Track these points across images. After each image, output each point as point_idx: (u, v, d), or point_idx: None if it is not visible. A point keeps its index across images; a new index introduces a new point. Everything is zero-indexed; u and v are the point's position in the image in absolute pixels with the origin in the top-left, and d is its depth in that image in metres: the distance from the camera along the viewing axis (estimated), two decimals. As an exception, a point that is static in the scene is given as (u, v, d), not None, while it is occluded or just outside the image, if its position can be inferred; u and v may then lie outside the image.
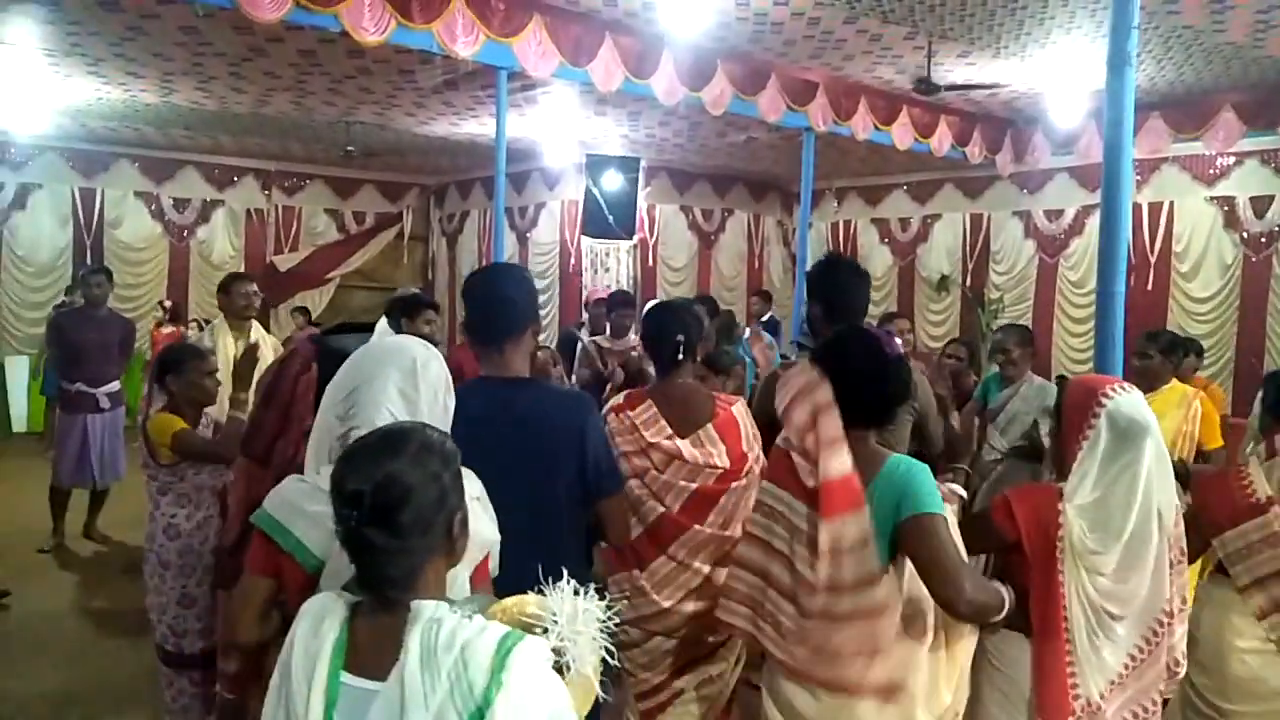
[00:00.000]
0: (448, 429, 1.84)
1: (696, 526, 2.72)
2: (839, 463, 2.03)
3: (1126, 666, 2.15)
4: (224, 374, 4.05)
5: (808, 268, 3.20)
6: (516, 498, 1.98)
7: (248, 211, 11.68)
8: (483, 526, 1.77)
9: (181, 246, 11.21)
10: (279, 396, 2.24)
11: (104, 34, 6.09)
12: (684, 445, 2.75)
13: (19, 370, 10.16)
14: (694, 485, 2.72)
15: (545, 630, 1.44)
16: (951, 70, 6.83)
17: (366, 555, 1.33)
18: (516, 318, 2.32)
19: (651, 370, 3.33)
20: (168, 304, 10.00)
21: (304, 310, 10.64)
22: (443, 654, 1.24)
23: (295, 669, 1.31)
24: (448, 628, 1.26)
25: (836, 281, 2.96)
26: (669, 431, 2.76)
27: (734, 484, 2.77)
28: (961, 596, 1.99)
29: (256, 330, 4.81)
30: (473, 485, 1.77)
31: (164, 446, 3.14)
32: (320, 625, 1.34)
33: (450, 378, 1.90)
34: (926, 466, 2.12)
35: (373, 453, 1.36)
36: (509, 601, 1.51)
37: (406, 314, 4.86)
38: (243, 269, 11.46)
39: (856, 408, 2.11)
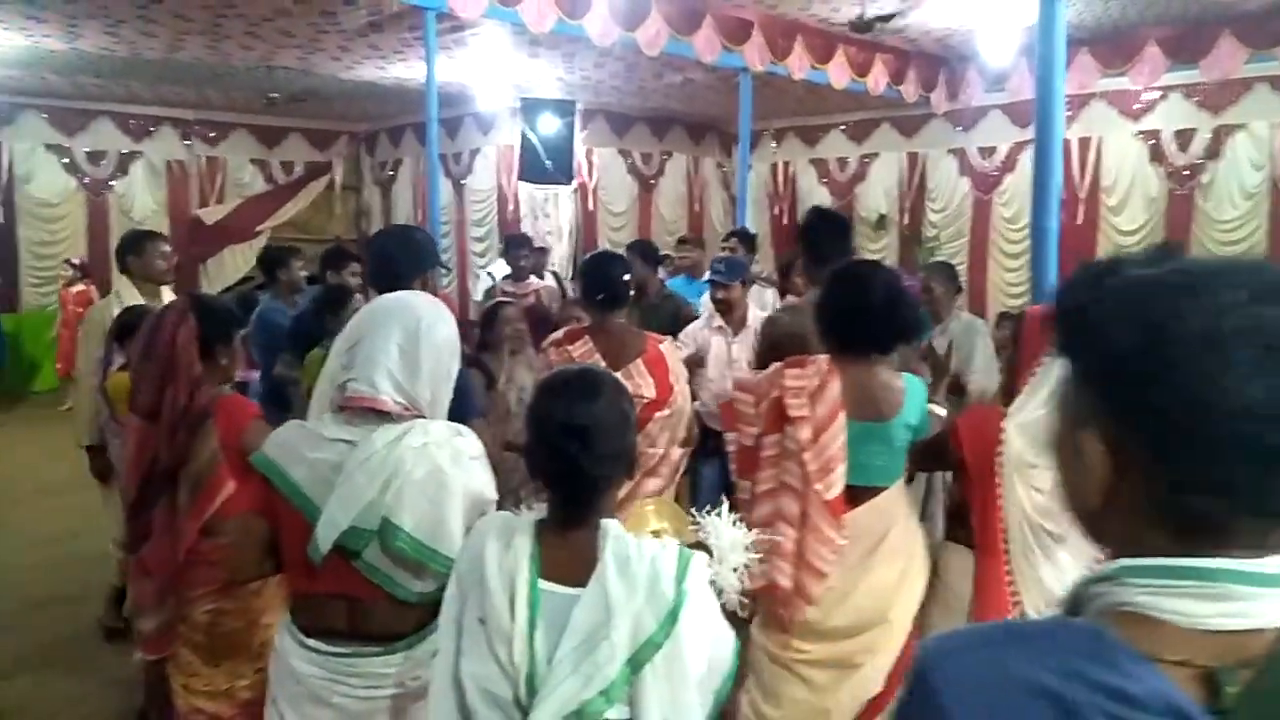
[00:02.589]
0: (449, 392, 1.89)
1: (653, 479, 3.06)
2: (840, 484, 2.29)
3: None
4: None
5: (802, 219, 3.38)
6: None
7: (168, 163, 11.20)
8: (484, 486, 1.82)
9: (100, 202, 10.72)
10: (158, 349, 2.23)
11: (-1, -25, 5.73)
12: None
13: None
14: None
15: (708, 551, 1.76)
16: (886, 7, 6.79)
17: (573, 480, 1.49)
18: (397, 272, 2.62)
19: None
20: (75, 261, 9.53)
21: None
22: (636, 564, 1.42)
23: (491, 580, 1.44)
24: (634, 542, 1.45)
25: (819, 231, 3.14)
26: (603, 365, 3.05)
27: (658, 414, 3.16)
28: None
29: (167, 298, 4.19)
30: (473, 445, 1.81)
31: (122, 404, 3.13)
32: (511, 540, 1.48)
33: (458, 340, 1.92)
34: None
35: (579, 392, 1.51)
36: (651, 520, 1.85)
37: (332, 266, 4.78)
38: (166, 224, 11.04)
39: (869, 335, 2.35)
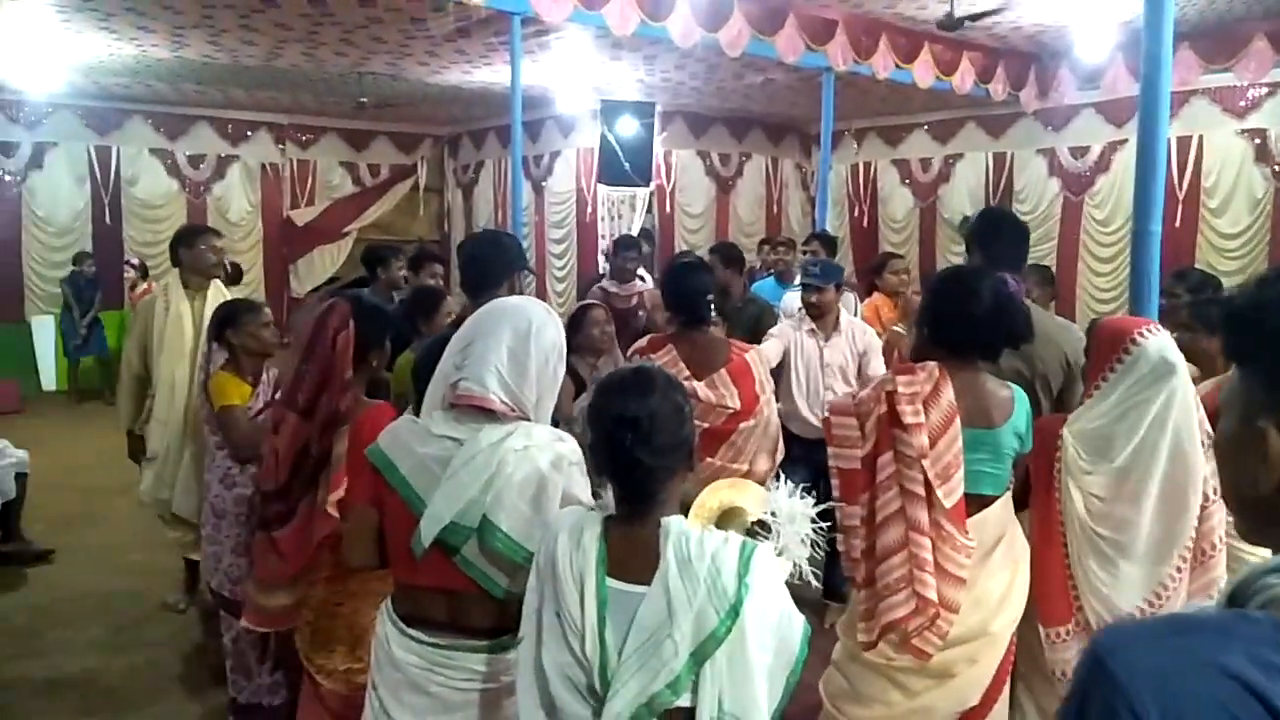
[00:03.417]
0: (555, 395, 1.94)
1: (709, 459, 2.99)
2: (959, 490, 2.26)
3: (1140, 611, 2.18)
4: (176, 345, 4.04)
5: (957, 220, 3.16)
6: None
7: (263, 166, 11.64)
8: (582, 491, 1.86)
9: (199, 203, 11.19)
10: (320, 352, 2.32)
11: (113, -12, 6.03)
12: (699, 387, 3.04)
13: (45, 330, 10.28)
14: (705, 424, 2.97)
15: (767, 527, 1.82)
16: (975, 4, 6.65)
17: (633, 473, 1.54)
18: (486, 275, 2.69)
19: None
20: (135, 262, 9.83)
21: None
22: (697, 563, 1.46)
23: (563, 577, 1.53)
24: (695, 539, 1.50)
25: (999, 234, 2.98)
26: (687, 374, 3.05)
27: (743, 424, 3.10)
28: None
29: (217, 290, 4.22)
30: (574, 451, 1.86)
31: (220, 400, 3.26)
32: (581, 537, 1.55)
33: (565, 344, 1.97)
34: None
35: (632, 388, 1.57)
36: (724, 495, 1.87)
37: (413, 268, 4.87)
38: (260, 225, 11.49)
39: (977, 340, 2.34)
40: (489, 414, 1.83)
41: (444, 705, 1.83)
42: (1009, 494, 2.37)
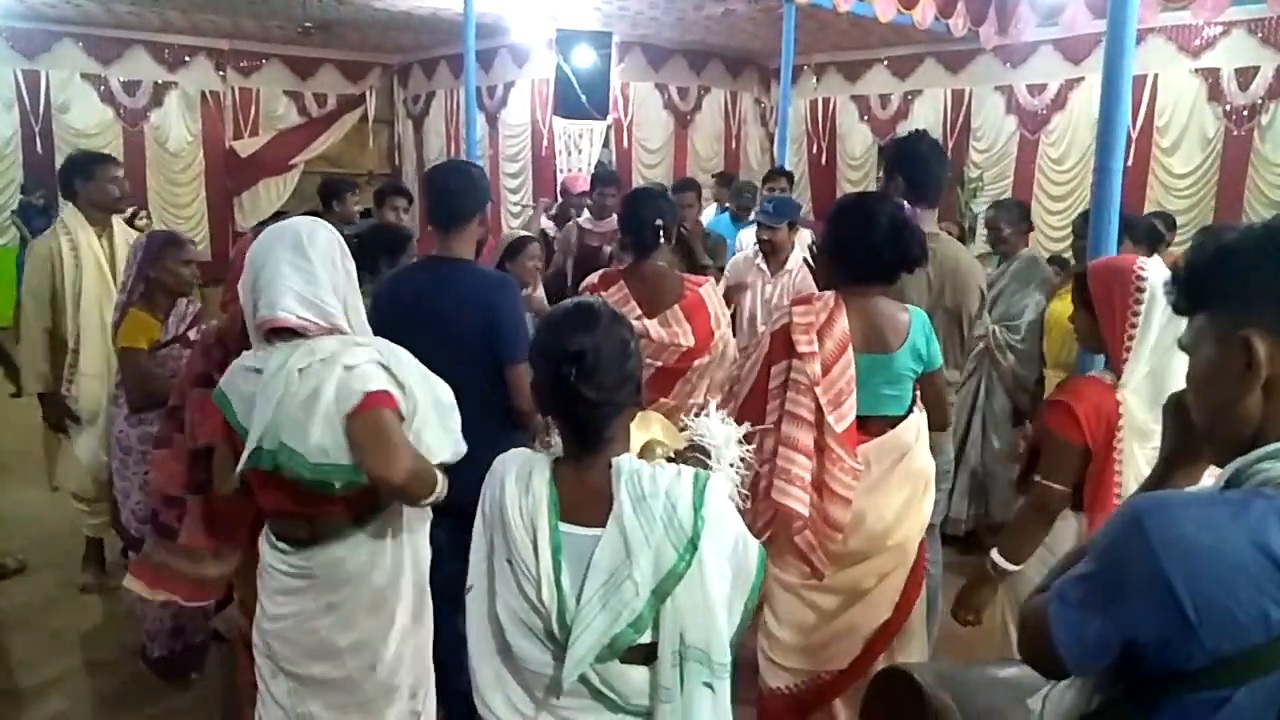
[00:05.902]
0: (353, 291, 2.03)
1: (662, 399, 2.94)
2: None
3: None
4: (97, 288, 3.71)
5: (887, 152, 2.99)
6: (451, 358, 2.23)
7: (203, 94, 11.14)
8: (373, 383, 1.92)
9: (135, 132, 10.71)
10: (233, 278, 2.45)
11: (34, -102, 5.64)
12: (651, 325, 2.96)
13: (-24, 264, 9.87)
14: (658, 363, 2.94)
15: (706, 453, 1.82)
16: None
17: (579, 408, 1.50)
18: (456, 208, 2.63)
19: None
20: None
21: None
22: (651, 500, 1.46)
23: (513, 524, 1.50)
24: (648, 475, 1.48)
25: (918, 156, 2.93)
26: (638, 312, 2.97)
27: (696, 362, 3.02)
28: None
29: (121, 228, 3.91)
30: (361, 353, 1.94)
31: (122, 342, 3.16)
32: (530, 482, 1.52)
33: (344, 243, 2.05)
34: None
35: (575, 322, 1.53)
36: (654, 429, 1.86)
37: (377, 202, 4.76)
38: (200, 155, 11.06)
39: (874, 266, 2.38)
40: (300, 335, 1.91)
41: (324, 587, 1.99)
42: (914, 416, 2.45)
